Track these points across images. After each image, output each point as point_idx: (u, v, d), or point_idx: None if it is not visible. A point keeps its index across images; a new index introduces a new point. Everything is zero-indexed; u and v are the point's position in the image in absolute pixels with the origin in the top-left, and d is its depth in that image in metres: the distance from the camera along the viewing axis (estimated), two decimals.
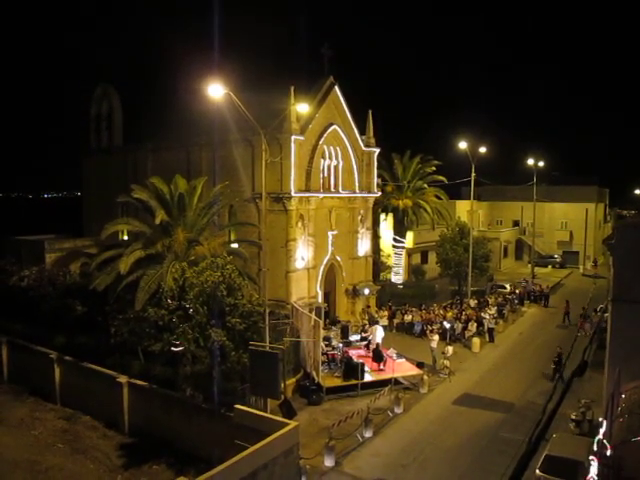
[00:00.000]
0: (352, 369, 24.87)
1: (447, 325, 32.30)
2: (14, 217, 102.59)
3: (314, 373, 24.42)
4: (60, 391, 24.35)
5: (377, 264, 42.39)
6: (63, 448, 20.41)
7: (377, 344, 27.54)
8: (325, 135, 33.40)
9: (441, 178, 45.48)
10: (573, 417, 20.61)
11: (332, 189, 34.69)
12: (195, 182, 25.05)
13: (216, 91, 19.38)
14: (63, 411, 23.48)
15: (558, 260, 64.97)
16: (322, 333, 25.57)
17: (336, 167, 34.97)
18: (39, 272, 30.67)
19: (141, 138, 40.00)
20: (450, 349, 28.39)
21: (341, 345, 27.90)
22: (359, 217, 36.63)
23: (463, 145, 38.51)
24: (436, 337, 29.47)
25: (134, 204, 24.93)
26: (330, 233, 34.40)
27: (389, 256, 45.88)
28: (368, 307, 36.36)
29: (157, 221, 22.90)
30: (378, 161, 38.87)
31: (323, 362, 25.56)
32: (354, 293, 36.11)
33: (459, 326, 33.46)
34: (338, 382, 24.81)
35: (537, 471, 16.34)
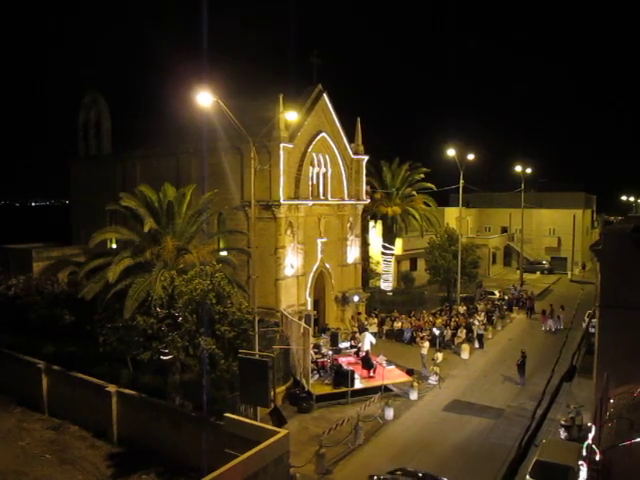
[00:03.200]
0: (342, 376, 24.84)
1: (436, 332, 32.33)
2: (1, 225, 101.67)
3: (304, 381, 24.38)
4: (48, 401, 24.05)
5: (366, 271, 42.45)
6: (51, 459, 20.16)
7: (366, 351, 27.56)
8: (314, 143, 33.49)
9: (430, 185, 45.67)
10: (562, 422, 20.74)
11: (321, 196, 34.76)
12: (184, 190, 24.91)
13: (205, 99, 19.39)
14: (51, 421, 23.19)
15: (546, 266, 65.52)
16: (312, 341, 25.56)
17: (325, 174, 35.05)
18: (27, 281, 30.37)
19: (130, 145, 39.84)
20: (440, 356, 28.46)
21: (331, 352, 27.89)
22: (348, 224, 36.72)
23: (451, 152, 38.78)
24: (426, 344, 29.53)
25: (123, 212, 24.75)
26: (319, 240, 34.42)
27: (378, 263, 45.97)
28: (359, 314, 36.38)
29: (146, 229, 22.73)
30: (367, 168, 39.04)
31: (313, 370, 25.51)
32: (343, 300, 36.10)
33: (448, 333, 33.57)
34: (328, 390, 24.78)
35: (527, 476, 16.41)
